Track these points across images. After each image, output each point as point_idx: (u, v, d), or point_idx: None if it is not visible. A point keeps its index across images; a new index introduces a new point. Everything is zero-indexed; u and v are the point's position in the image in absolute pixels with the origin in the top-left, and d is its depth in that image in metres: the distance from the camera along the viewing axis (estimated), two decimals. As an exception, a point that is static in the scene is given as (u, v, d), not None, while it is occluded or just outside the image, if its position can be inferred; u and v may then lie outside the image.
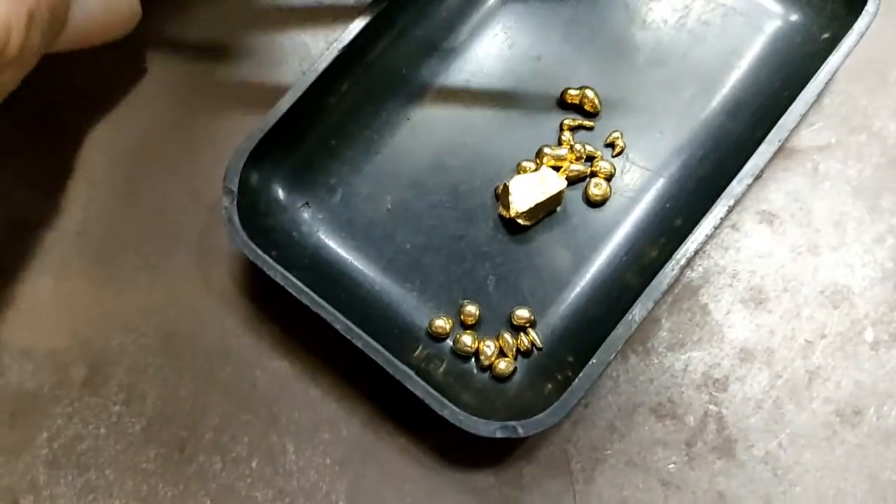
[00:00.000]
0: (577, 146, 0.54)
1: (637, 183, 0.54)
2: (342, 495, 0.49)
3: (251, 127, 0.50)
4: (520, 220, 0.52)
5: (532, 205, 0.51)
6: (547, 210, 0.53)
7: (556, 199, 0.52)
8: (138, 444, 0.50)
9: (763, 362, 0.51)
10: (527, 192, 0.51)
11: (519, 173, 0.54)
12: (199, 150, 0.57)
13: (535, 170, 0.54)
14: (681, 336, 0.52)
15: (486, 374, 0.51)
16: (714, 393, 0.51)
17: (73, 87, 0.58)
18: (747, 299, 0.53)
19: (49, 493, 0.49)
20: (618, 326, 0.45)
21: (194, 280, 0.53)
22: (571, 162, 0.54)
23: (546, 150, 0.54)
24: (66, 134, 0.57)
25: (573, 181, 0.54)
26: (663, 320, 0.52)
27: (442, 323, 0.51)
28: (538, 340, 0.50)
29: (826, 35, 0.53)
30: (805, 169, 0.55)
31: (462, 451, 0.50)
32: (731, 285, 0.53)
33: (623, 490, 0.49)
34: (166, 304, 0.53)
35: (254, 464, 0.50)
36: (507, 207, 0.52)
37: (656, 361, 0.52)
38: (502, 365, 0.50)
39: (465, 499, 0.49)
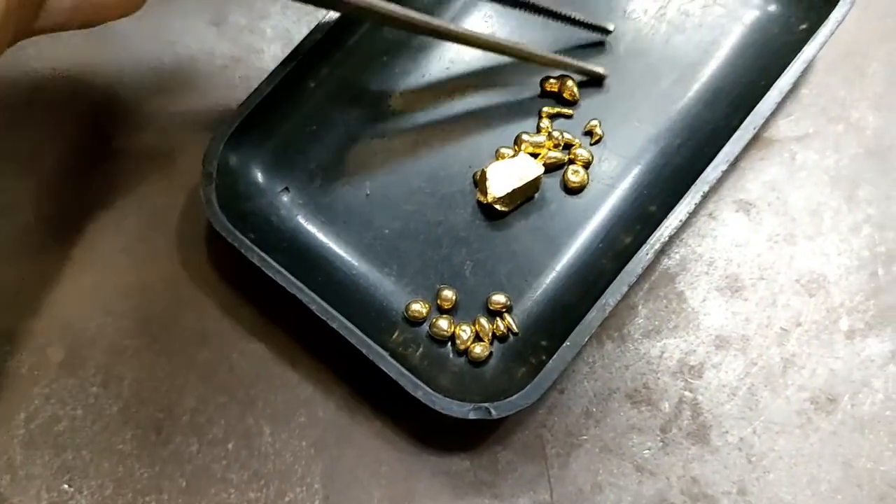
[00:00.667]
0: (556, 133, 0.54)
1: (614, 171, 0.54)
2: (317, 478, 0.49)
3: (230, 112, 0.50)
4: (497, 206, 0.52)
5: (509, 190, 0.51)
6: (524, 196, 0.53)
7: (534, 186, 0.53)
8: (115, 425, 0.50)
9: (738, 350, 0.52)
10: (504, 177, 0.52)
11: (497, 160, 0.54)
12: (177, 133, 0.57)
13: (514, 156, 0.54)
14: (657, 323, 0.52)
15: (462, 359, 0.51)
16: (689, 380, 0.51)
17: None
18: (723, 287, 0.53)
19: (25, 473, 0.49)
20: (592, 310, 0.46)
21: (172, 262, 0.54)
22: (549, 149, 0.54)
23: (524, 136, 0.54)
24: (46, 112, 0.57)
25: (551, 168, 0.54)
26: (640, 307, 0.53)
27: (419, 307, 0.51)
28: (514, 325, 0.51)
29: (804, 26, 0.53)
30: (782, 159, 0.56)
31: (438, 436, 0.50)
32: (707, 273, 0.53)
33: (598, 475, 0.49)
34: (144, 286, 0.53)
35: (230, 446, 0.50)
36: (485, 193, 0.52)
37: (632, 348, 0.52)
38: (478, 349, 0.50)
39: (440, 482, 0.49)
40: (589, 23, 0.56)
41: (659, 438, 0.50)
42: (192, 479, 0.49)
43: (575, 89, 0.55)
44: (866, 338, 0.52)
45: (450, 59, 0.57)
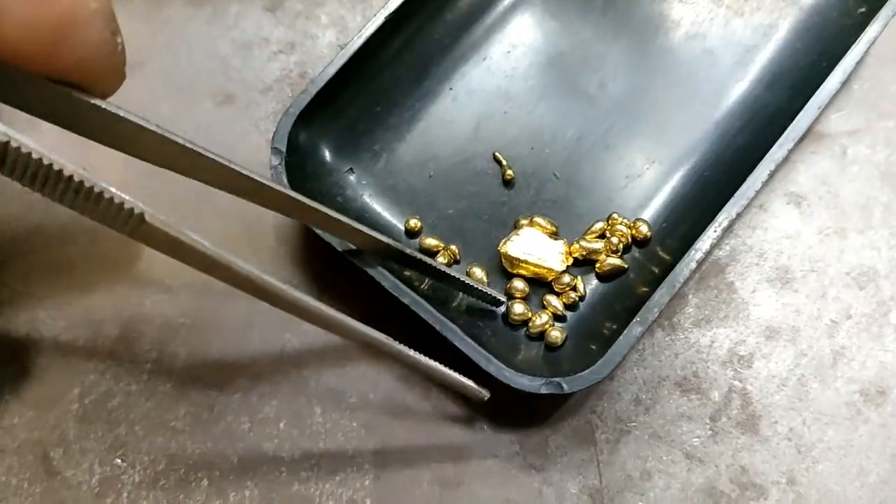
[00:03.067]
0: (615, 239, 0.52)
1: (675, 154, 0.55)
2: (368, 458, 0.49)
3: (284, 97, 0.51)
4: (503, 260, 0.53)
5: (521, 258, 0.52)
6: (534, 273, 0.52)
7: (547, 275, 0.52)
8: (168, 402, 0.51)
9: (788, 340, 0.52)
10: (528, 245, 0.52)
11: (538, 228, 0.53)
12: (240, 118, 0.57)
13: (551, 235, 0.53)
14: (707, 313, 0.52)
15: (529, 338, 0.51)
16: (739, 369, 0.51)
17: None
18: (774, 278, 0.53)
19: (79, 447, 0.50)
20: (661, 287, 0.46)
21: (229, 240, 0.54)
22: (607, 255, 0.53)
23: (583, 243, 0.53)
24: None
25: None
26: (690, 296, 0.53)
27: (479, 272, 0.52)
28: (582, 288, 0.51)
29: (862, 9, 0.54)
30: (833, 152, 0.56)
31: (489, 419, 0.50)
32: (757, 264, 0.53)
33: (647, 462, 0.49)
34: (199, 265, 0.54)
35: (281, 425, 0.50)
36: (505, 243, 0.52)
37: (682, 337, 0.52)
38: (555, 333, 0.50)
39: (490, 464, 0.49)
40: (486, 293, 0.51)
41: (708, 427, 0.50)
42: (244, 457, 0.50)
43: (647, 232, 0.53)
44: (916, 332, 0.52)
45: (510, 42, 0.58)
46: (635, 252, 0.53)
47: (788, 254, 0.54)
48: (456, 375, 0.46)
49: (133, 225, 0.37)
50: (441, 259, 0.53)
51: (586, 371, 0.45)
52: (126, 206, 0.36)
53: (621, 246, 0.52)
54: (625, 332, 0.45)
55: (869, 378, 0.51)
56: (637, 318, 0.45)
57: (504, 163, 0.55)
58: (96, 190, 0.35)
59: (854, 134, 0.56)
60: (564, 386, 0.45)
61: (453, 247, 0.53)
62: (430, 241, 0.53)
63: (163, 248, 0.39)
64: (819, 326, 0.52)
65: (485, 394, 0.47)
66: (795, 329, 0.52)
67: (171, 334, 0.52)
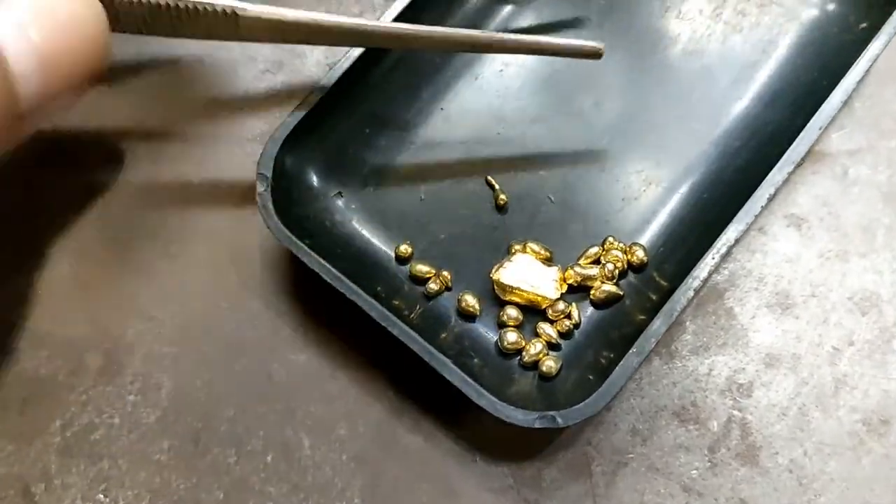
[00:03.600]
0: (609, 265, 0.51)
1: (673, 174, 0.53)
2: (357, 492, 0.48)
3: (271, 117, 0.50)
4: (496, 287, 0.51)
5: (514, 285, 0.50)
6: (527, 302, 0.51)
7: (540, 303, 0.51)
8: (152, 434, 0.50)
9: (789, 368, 0.50)
10: (522, 272, 0.50)
11: (532, 254, 0.52)
12: (226, 139, 0.56)
13: (545, 260, 0.52)
14: (705, 340, 0.51)
15: (521, 368, 0.50)
16: (738, 398, 0.50)
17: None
18: (773, 304, 0.52)
19: (61, 482, 0.49)
20: (657, 316, 0.45)
21: (213, 269, 0.53)
22: (602, 282, 0.51)
23: (576, 267, 0.51)
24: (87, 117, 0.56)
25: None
26: (687, 323, 0.51)
27: (471, 300, 0.51)
28: (577, 315, 0.50)
29: (864, 25, 0.52)
30: (834, 173, 0.54)
31: (481, 451, 0.49)
32: (757, 289, 0.52)
33: (644, 495, 0.48)
34: (184, 294, 0.52)
35: (269, 458, 0.49)
36: (498, 269, 0.51)
37: (680, 365, 0.51)
38: (549, 363, 0.49)
39: (484, 498, 0.48)
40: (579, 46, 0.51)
41: (707, 458, 0.49)
42: (230, 492, 0.48)
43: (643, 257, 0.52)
44: (920, 358, 0.51)
45: (503, 61, 0.56)
46: (631, 277, 0.52)
47: (789, 278, 0.52)
48: (561, 41, 0.50)
49: (232, 24, 0.45)
50: (433, 286, 0.51)
51: (581, 404, 0.43)
52: (219, 9, 0.45)
53: (617, 272, 0.51)
54: (621, 362, 0.44)
55: (872, 407, 0.50)
56: (634, 349, 0.44)
57: (497, 187, 0.54)
58: (191, 7, 0.44)
59: (856, 154, 0.55)
60: (559, 420, 0.43)
61: (445, 273, 0.52)
62: (422, 267, 0.52)
63: (266, 33, 0.46)
64: (820, 353, 0.51)
65: (599, 46, 0.49)
66: (796, 356, 0.51)
67: (154, 365, 0.51)
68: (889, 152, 0.55)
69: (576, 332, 0.50)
